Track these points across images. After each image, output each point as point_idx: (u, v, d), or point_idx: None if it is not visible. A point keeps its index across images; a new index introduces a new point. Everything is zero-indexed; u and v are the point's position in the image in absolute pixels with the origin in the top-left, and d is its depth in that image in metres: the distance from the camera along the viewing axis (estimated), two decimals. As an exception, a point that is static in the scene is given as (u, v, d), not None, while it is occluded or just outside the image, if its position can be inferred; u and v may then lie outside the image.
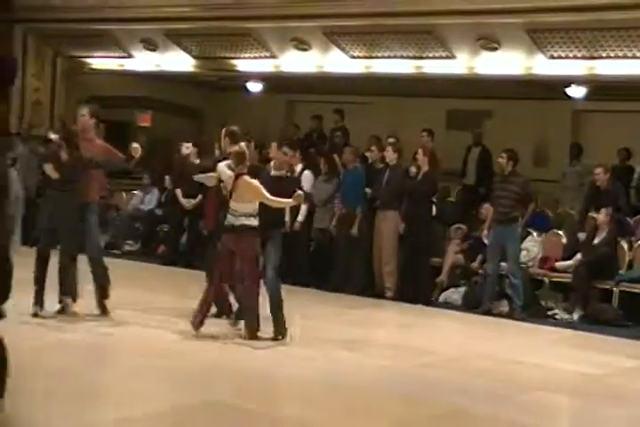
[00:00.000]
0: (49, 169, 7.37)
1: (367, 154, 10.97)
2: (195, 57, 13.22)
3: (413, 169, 10.26)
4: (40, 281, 7.27)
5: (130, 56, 13.73)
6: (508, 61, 10.62)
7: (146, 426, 4.71)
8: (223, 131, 7.90)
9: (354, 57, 11.78)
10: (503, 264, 9.58)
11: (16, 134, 12.76)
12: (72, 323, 7.15)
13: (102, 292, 7.57)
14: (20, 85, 13.75)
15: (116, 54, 13.84)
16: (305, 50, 12.05)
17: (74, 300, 7.41)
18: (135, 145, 8.03)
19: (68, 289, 7.37)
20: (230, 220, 6.95)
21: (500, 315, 9.39)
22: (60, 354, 6.10)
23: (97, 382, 5.57)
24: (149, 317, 7.69)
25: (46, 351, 6.13)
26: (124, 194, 13.45)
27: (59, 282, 7.30)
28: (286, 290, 7.42)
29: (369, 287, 10.18)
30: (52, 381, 5.38)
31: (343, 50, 11.77)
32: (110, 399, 5.33)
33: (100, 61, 14.22)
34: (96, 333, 6.92)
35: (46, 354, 6.04)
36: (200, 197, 11.20)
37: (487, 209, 10.16)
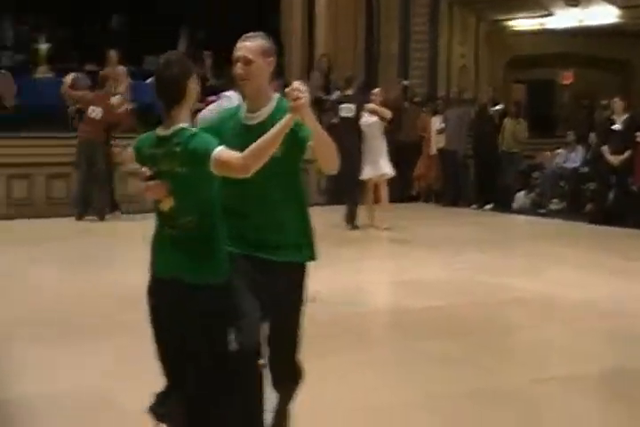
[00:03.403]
0: None
1: None
2: (620, 7, 12.79)
3: None
4: None
5: (550, 14, 13.71)
6: None
7: (587, 386, 4.84)
8: None
9: None
10: None
11: (444, 98, 13.62)
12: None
13: None
14: (446, 53, 14.54)
15: (537, 14, 13.92)
16: None
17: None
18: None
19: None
20: None
21: None
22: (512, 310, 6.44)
23: (542, 339, 5.73)
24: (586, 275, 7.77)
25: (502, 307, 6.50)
26: (548, 152, 13.53)
27: None
28: None
29: None
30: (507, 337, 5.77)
31: None
32: (553, 357, 5.46)
33: (521, 22, 14.41)
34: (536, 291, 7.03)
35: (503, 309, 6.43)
36: (628, 152, 10.91)
37: None
